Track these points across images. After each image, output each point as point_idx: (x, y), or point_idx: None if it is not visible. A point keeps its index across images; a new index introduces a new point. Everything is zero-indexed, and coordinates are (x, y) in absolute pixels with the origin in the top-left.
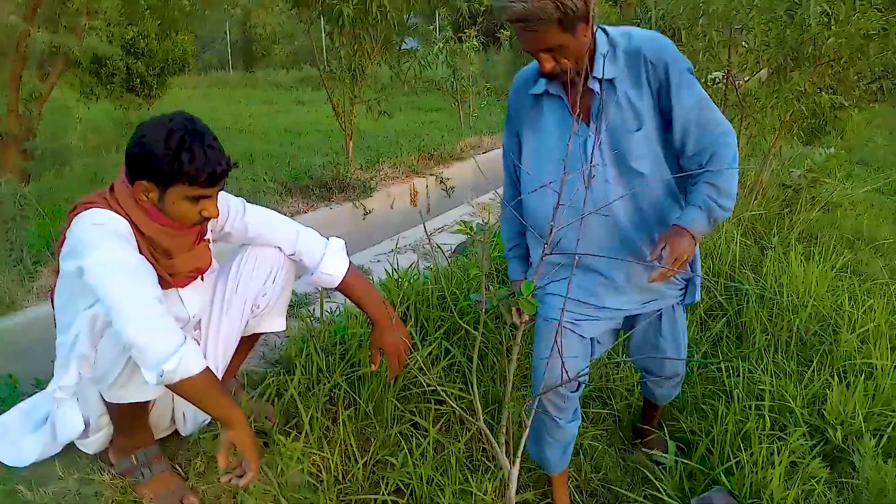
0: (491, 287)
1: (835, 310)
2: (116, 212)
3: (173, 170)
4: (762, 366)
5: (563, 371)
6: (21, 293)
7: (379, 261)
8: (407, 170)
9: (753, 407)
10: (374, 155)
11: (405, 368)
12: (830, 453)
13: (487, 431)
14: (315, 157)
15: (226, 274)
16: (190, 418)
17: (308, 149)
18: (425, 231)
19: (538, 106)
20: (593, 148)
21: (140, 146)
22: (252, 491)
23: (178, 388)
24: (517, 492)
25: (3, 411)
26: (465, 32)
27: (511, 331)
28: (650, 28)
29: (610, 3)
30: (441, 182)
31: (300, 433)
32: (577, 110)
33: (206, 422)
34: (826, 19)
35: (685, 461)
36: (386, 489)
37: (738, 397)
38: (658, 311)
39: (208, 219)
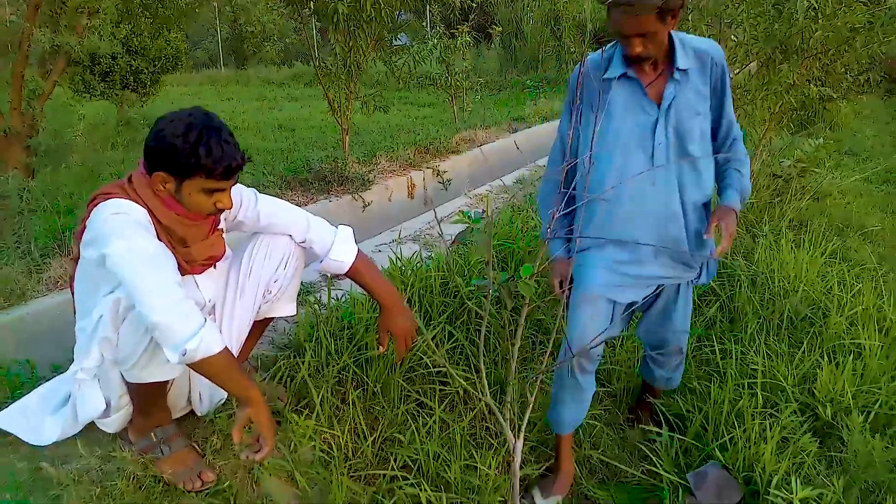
0: (494, 271)
1: (824, 294)
2: (135, 202)
3: (191, 163)
4: (754, 348)
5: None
6: (30, 284)
7: (380, 251)
8: (403, 163)
9: (746, 386)
10: (370, 149)
11: (411, 351)
12: (820, 429)
13: (494, 406)
14: (312, 152)
15: (239, 261)
16: (206, 399)
17: (303, 144)
18: (435, 215)
19: (607, 89)
20: (660, 129)
21: (159, 139)
22: (267, 466)
23: (199, 367)
24: (520, 466)
25: (23, 394)
26: (457, 28)
27: (512, 315)
28: None
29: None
30: (438, 175)
31: (311, 412)
32: (649, 93)
33: (222, 401)
34: (813, 13)
35: (681, 437)
36: (394, 465)
37: (732, 377)
38: (676, 285)
39: (222, 210)
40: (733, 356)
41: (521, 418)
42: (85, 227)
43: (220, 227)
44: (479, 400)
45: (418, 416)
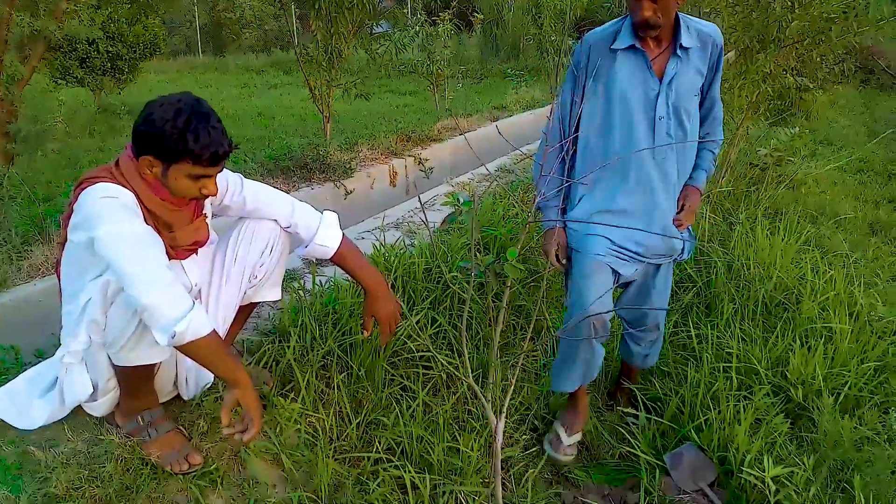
0: (478, 254)
1: (798, 280)
2: (122, 186)
3: (178, 148)
4: (730, 332)
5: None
6: (11, 272)
7: (364, 238)
8: (385, 151)
9: (721, 370)
10: (351, 137)
11: (396, 335)
12: (792, 411)
13: (476, 387)
14: (293, 140)
15: (224, 246)
16: (192, 383)
17: (284, 132)
18: (419, 201)
19: (612, 59)
20: (661, 102)
21: (148, 123)
22: (253, 448)
23: (188, 349)
24: (502, 447)
25: (9, 380)
26: (438, 16)
27: (494, 301)
28: (619, 11)
29: None
30: (420, 163)
31: (297, 396)
32: (655, 68)
33: (208, 385)
34: (790, 3)
35: (658, 419)
36: (378, 447)
37: (707, 361)
38: (658, 264)
39: (207, 196)
40: (709, 341)
41: (502, 400)
42: (72, 211)
43: (204, 212)
44: (462, 384)
45: (402, 399)
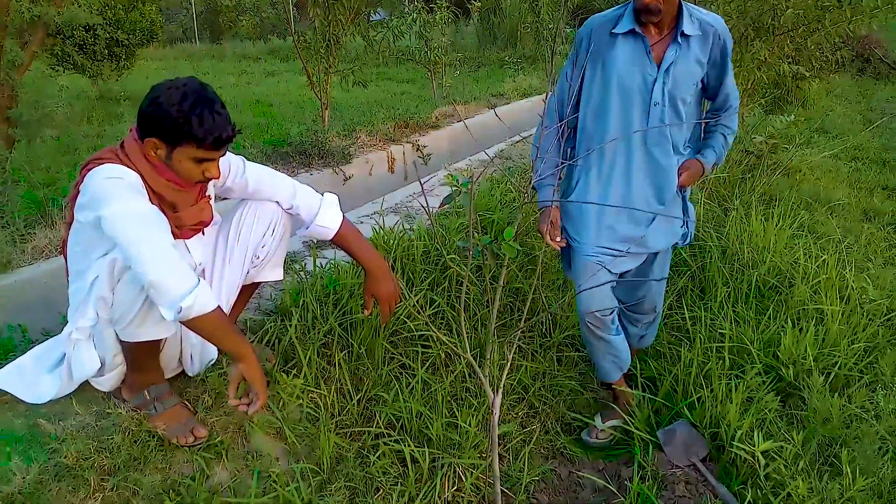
0: (476, 235)
1: (791, 264)
2: (127, 167)
3: (183, 131)
4: (723, 314)
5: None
6: (16, 254)
7: (362, 222)
8: (383, 138)
9: (714, 350)
10: (349, 124)
11: (395, 315)
12: (783, 390)
13: (473, 363)
14: (291, 126)
15: (227, 226)
16: (196, 359)
17: (282, 119)
18: (420, 185)
19: (612, 43)
20: (658, 89)
21: (155, 106)
22: (257, 422)
23: (194, 325)
24: (499, 423)
25: (17, 357)
26: (435, 3)
27: (492, 283)
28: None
29: None
30: (417, 149)
31: (299, 373)
32: (655, 54)
33: (212, 362)
34: None
35: (652, 397)
36: (379, 422)
37: (700, 342)
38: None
39: (210, 179)
40: (703, 322)
41: (499, 376)
42: (79, 192)
43: (207, 193)
44: (460, 362)
45: (401, 377)
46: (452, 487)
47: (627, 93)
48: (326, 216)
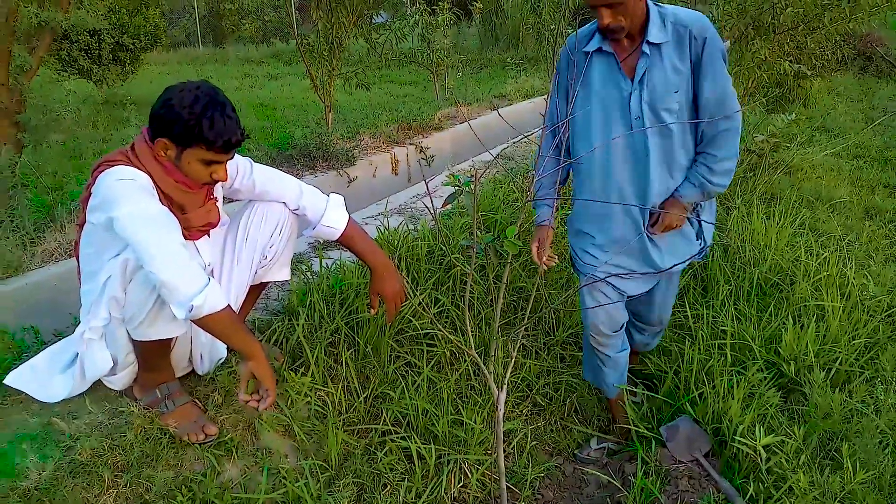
0: (479, 233)
1: (792, 262)
2: (138, 168)
3: (193, 133)
4: (724, 312)
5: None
6: (26, 257)
7: (367, 223)
8: (387, 140)
9: (716, 347)
10: (353, 126)
11: (400, 314)
12: (785, 385)
13: (478, 359)
14: (295, 129)
15: (235, 227)
16: (206, 358)
17: (286, 122)
18: (426, 186)
19: (588, 62)
20: (635, 102)
21: (167, 108)
22: (266, 420)
23: (204, 323)
24: (504, 420)
25: (30, 357)
26: (438, 5)
27: (495, 282)
28: None
29: None
30: (421, 151)
31: (306, 371)
32: (624, 69)
33: (221, 361)
34: None
35: (653, 395)
36: (385, 419)
37: (702, 339)
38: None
39: (217, 181)
40: (705, 320)
41: (504, 374)
42: (90, 193)
43: (214, 195)
44: (465, 361)
45: (407, 375)
46: (458, 483)
47: (608, 110)
48: (333, 216)
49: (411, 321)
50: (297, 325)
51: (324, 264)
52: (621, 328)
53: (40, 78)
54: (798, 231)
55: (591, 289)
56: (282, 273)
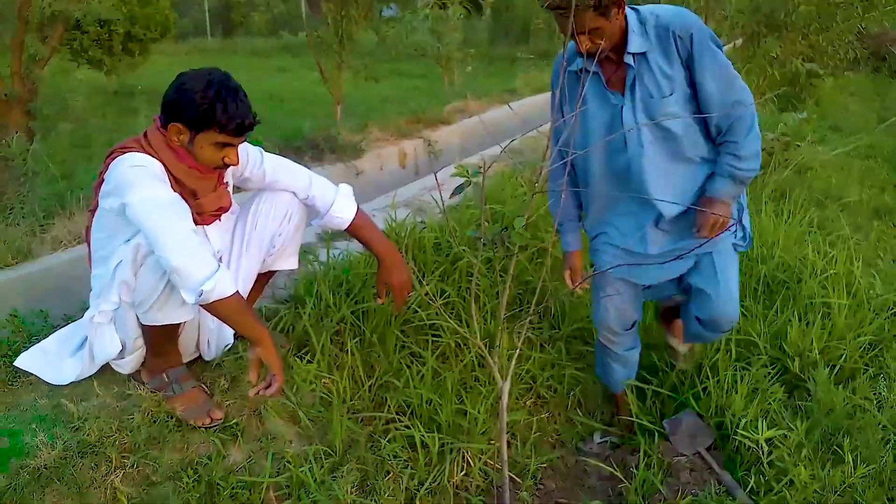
0: (487, 223)
1: (800, 260)
2: (150, 155)
3: (207, 117)
4: None
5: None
6: (36, 244)
7: (375, 215)
8: (395, 132)
9: (722, 342)
10: (361, 119)
11: (407, 304)
12: (789, 381)
13: (483, 349)
14: (304, 121)
15: (245, 215)
16: (213, 344)
17: (294, 114)
18: (436, 179)
19: (576, 79)
20: (628, 114)
21: (181, 92)
22: (272, 406)
23: (214, 308)
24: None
25: (40, 340)
26: None
27: (501, 275)
28: None
29: None
30: (429, 145)
31: (312, 359)
32: (613, 84)
33: (228, 347)
34: None
35: (657, 389)
36: (390, 408)
37: None
38: (705, 252)
39: (229, 165)
40: None
41: (508, 364)
42: (103, 180)
43: (225, 181)
44: (469, 352)
45: (412, 364)
46: (461, 472)
47: (601, 126)
48: (341, 206)
49: (417, 311)
50: (304, 313)
51: (331, 254)
52: (633, 326)
53: (52, 67)
54: (807, 229)
55: (603, 284)
56: (290, 262)
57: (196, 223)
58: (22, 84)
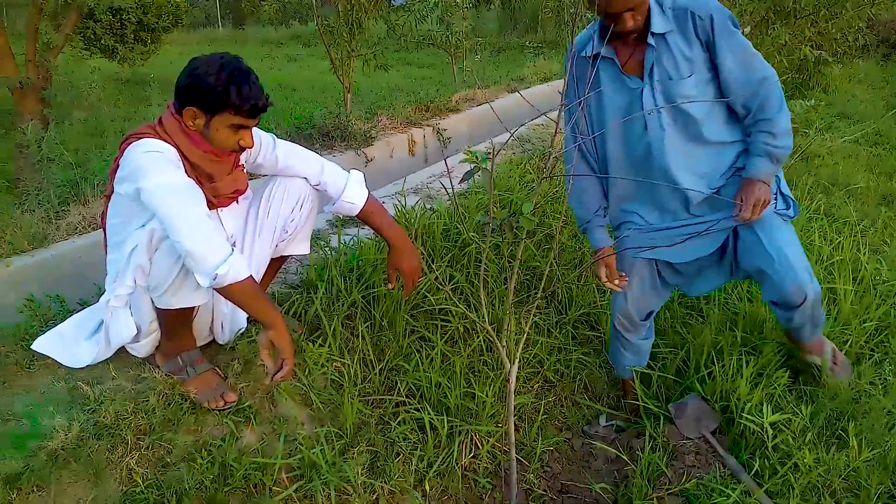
0: (495, 209)
1: (806, 246)
2: (165, 141)
3: (222, 99)
4: (737, 294)
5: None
6: (51, 230)
7: (384, 202)
8: (404, 121)
9: (727, 327)
10: (371, 107)
11: (417, 289)
12: (794, 366)
13: (491, 332)
14: (314, 110)
15: (258, 201)
16: (227, 328)
17: (305, 103)
18: (446, 165)
19: (592, 66)
20: (647, 97)
21: (194, 76)
22: (284, 388)
23: (227, 292)
24: (515, 394)
25: (56, 325)
26: None
27: (509, 261)
28: None
29: None
30: (438, 133)
31: (324, 342)
32: (629, 68)
33: (241, 331)
34: None
35: (662, 374)
36: (400, 391)
37: (714, 320)
38: (746, 229)
39: (244, 148)
40: (716, 301)
41: (516, 348)
42: (118, 165)
43: (241, 163)
44: (477, 337)
45: (422, 348)
46: (469, 454)
47: (619, 110)
48: (353, 192)
49: (426, 296)
50: (316, 298)
51: (342, 240)
52: (649, 316)
53: (65, 56)
54: (813, 216)
55: (627, 269)
56: (302, 247)
57: (212, 206)
58: (36, 72)
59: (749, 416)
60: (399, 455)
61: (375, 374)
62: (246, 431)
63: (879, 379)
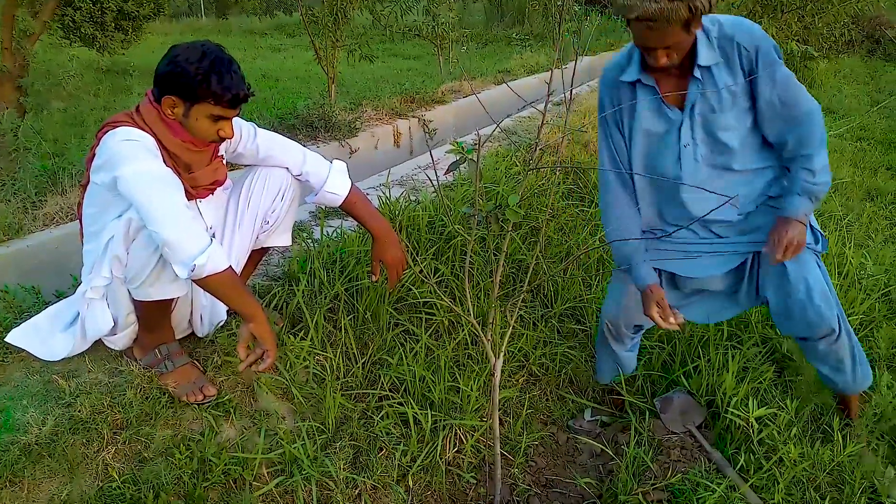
0: (480, 200)
1: None
2: (143, 130)
3: (202, 88)
4: None
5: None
6: (28, 220)
7: (369, 193)
8: (389, 112)
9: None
10: (355, 98)
11: (401, 281)
12: (779, 361)
13: (476, 325)
14: (298, 100)
15: (238, 191)
16: (206, 320)
17: (288, 93)
18: (431, 157)
19: (628, 93)
20: (686, 132)
21: (174, 64)
22: (265, 382)
23: (206, 284)
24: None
25: (31, 316)
26: None
27: (495, 254)
28: None
29: None
30: (423, 124)
31: (306, 336)
32: (670, 98)
33: (221, 323)
34: None
35: (647, 371)
36: (383, 385)
37: None
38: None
39: (224, 139)
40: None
41: (501, 342)
42: (95, 154)
43: (220, 153)
44: (462, 330)
45: (406, 342)
46: (453, 448)
47: (654, 142)
48: (335, 183)
49: (411, 289)
50: (298, 290)
51: (325, 232)
52: (638, 331)
53: (44, 44)
54: None
55: (620, 279)
56: (283, 239)
57: (190, 197)
58: (13, 60)
59: (735, 411)
60: (382, 450)
61: (358, 367)
62: (225, 426)
63: None
